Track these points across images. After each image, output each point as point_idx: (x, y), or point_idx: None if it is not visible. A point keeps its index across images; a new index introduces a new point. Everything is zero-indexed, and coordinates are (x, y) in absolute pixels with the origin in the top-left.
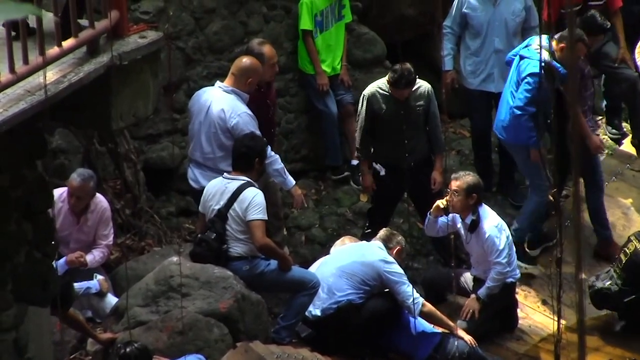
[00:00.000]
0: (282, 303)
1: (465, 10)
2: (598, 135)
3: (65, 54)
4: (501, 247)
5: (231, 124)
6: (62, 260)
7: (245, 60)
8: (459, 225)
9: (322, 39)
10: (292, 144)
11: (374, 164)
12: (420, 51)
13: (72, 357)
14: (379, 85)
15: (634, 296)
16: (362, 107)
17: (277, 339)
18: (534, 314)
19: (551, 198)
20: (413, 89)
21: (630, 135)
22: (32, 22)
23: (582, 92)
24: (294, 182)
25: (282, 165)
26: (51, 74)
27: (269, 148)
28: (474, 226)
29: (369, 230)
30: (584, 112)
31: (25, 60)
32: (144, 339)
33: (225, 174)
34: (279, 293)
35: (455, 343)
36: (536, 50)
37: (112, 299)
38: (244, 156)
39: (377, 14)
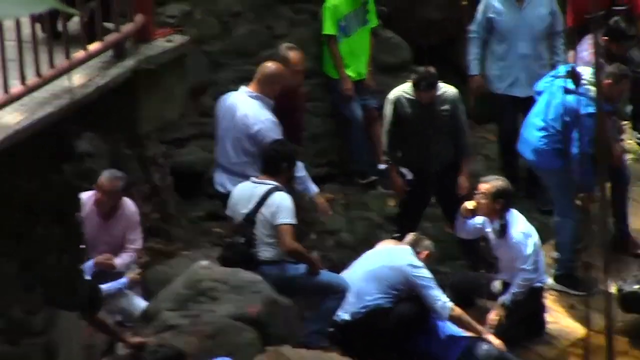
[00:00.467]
0: (312, 307)
1: (490, 15)
2: (622, 140)
3: (91, 57)
4: (527, 254)
5: (254, 130)
6: (90, 262)
7: (270, 65)
8: (488, 229)
9: (347, 43)
10: (319, 148)
11: (400, 168)
12: (446, 56)
13: None
14: (404, 89)
15: None
16: (387, 111)
17: (307, 343)
18: (563, 319)
19: (580, 203)
20: (438, 94)
21: None
22: (59, 26)
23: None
24: (317, 189)
25: (305, 173)
26: (77, 78)
27: None
28: (502, 231)
29: (398, 235)
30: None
31: (51, 63)
32: (174, 343)
33: (253, 178)
34: (308, 297)
35: (484, 347)
36: (587, 87)
37: (141, 303)
38: (272, 160)
39: (402, 18)
